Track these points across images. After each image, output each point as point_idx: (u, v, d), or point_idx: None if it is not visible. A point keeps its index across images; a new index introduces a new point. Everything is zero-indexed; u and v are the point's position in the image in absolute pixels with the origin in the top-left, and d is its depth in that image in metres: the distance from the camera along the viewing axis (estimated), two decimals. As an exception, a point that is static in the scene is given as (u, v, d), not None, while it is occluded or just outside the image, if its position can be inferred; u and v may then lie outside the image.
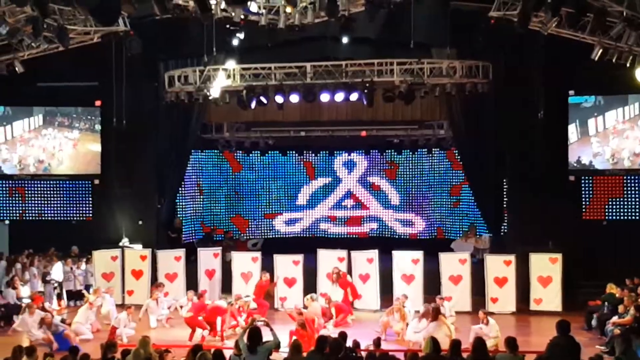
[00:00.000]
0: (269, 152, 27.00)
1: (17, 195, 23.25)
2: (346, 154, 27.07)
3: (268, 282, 18.82)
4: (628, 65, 16.32)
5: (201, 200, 26.33)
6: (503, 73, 20.61)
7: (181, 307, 17.58)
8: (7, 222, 23.07)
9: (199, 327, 16.16)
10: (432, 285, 19.01)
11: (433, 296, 17.45)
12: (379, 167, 26.99)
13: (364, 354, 11.55)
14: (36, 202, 23.24)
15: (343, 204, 27.14)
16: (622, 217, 20.90)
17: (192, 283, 19.68)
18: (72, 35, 17.72)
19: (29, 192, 23.23)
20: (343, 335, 11.47)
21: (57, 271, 20.22)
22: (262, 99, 20.43)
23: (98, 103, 22.38)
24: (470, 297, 19.09)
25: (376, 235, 26.61)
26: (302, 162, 27.26)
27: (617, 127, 20.41)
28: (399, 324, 16.20)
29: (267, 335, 10.21)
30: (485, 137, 21.46)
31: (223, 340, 15.77)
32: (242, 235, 26.69)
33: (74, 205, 23.23)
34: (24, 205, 23.28)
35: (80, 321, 16.59)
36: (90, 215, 23.06)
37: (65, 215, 23.26)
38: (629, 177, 20.78)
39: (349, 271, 19.53)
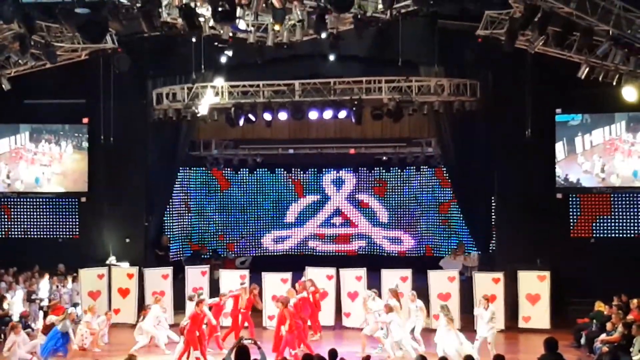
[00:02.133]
0: (257, 169, 26.95)
1: (2, 213, 23.08)
2: (335, 172, 27.07)
3: (255, 295, 18.53)
4: (614, 83, 16.42)
5: (189, 218, 26.23)
6: (490, 91, 20.72)
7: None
8: (-7, 240, 22.89)
9: (192, 344, 15.74)
10: (420, 303, 18.96)
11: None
12: (367, 185, 26.99)
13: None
14: (22, 220, 23.06)
15: (332, 221, 27.10)
16: (609, 235, 20.96)
17: (179, 301, 19.53)
18: (60, 53, 17.72)
19: (15, 210, 23.07)
20: (333, 353, 11.38)
21: (43, 290, 20.06)
22: (251, 116, 20.41)
23: (85, 120, 22.25)
24: (458, 314, 19.03)
25: (365, 253, 26.56)
26: (290, 180, 27.23)
27: (604, 145, 20.48)
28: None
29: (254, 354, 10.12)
30: (473, 155, 21.50)
31: (206, 359, 15.59)
32: (230, 253, 26.57)
33: (61, 223, 23.06)
34: (9, 223, 23.11)
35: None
36: (77, 233, 22.89)
37: (51, 233, 23.08)
38: (616, 195, 20.85)
39: (337, 289, 19.48)
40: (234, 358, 9.73)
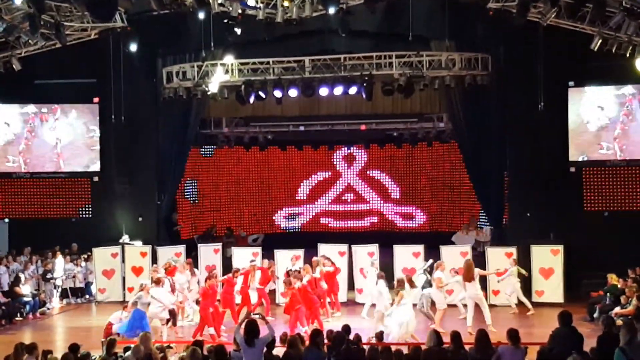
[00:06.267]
0: (268, 147, 26.96)
1: (16, 193, 23.17)
2: (346, 148, 27.07)
3: (272, 272, 18.66)
4: (627, 55, 16.28)
5: (201, 196, 26.28)
6: (502, 65, 20.58)
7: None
8: (6, 220, 22.98)
9: (207, 320, 15.60)
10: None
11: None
12: (378, 161, 26.98)
13: (366, 347, 11.48)
14: (36, 200, 23.14)
15: (343, 198, 27.13)
16: (623, 208, 20.82)
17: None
18: (69, 32, 17.73)
19: (29, 190, 23.13)
20: (346, 328, 11.43)
21: (57, 269, 20.21)
22: (261, 93, 20.36)
23: (96, 100, 22.28)
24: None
25: (377, 229, 26.58)
26: (301, 157, 27.23)
27: (617, 118, 20.31)
28: None
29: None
30: (485, 129, 21.40)
31: (220, 335, 15.60)
32: (242, 231, 26.66)
33: (74, 202, 23.14)
34: (22, 203, 23.20)
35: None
36: (90, 212, 22.98)
37: (65, 212, 23.17)
38: (629, 168, 20.69)
39: (350, 265, 19.51)
40: (243, 332, 9.81)
